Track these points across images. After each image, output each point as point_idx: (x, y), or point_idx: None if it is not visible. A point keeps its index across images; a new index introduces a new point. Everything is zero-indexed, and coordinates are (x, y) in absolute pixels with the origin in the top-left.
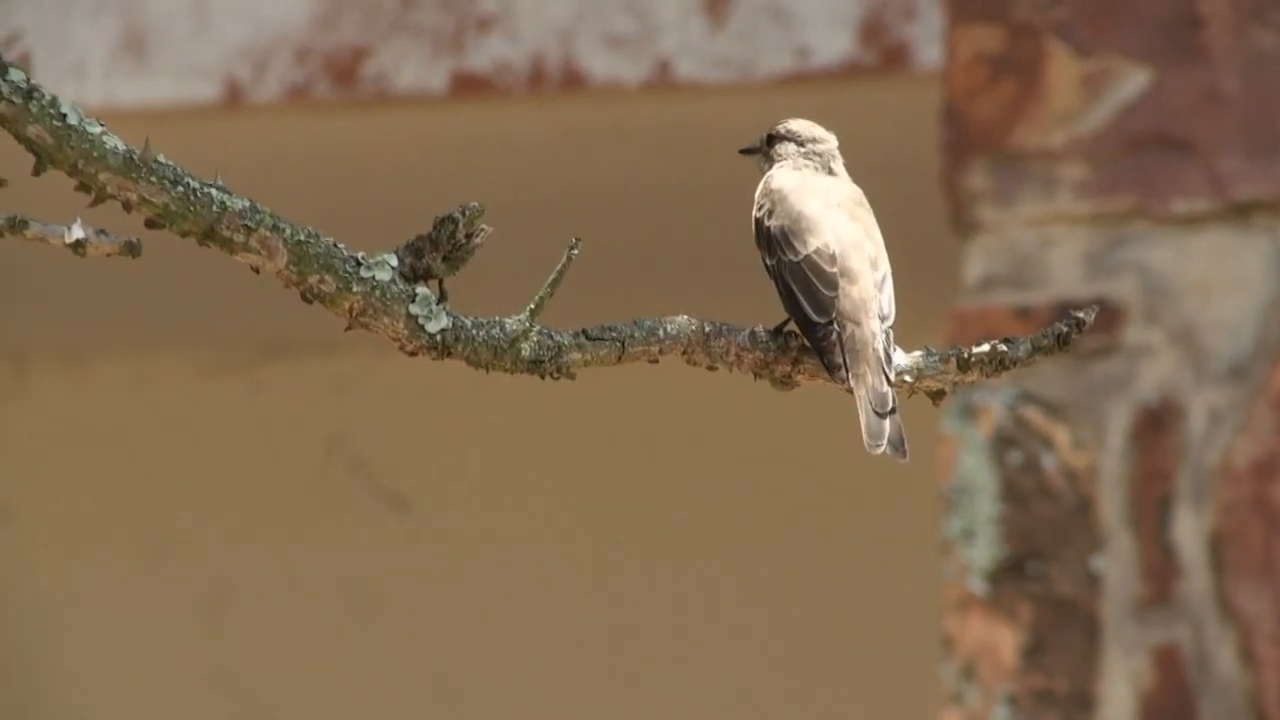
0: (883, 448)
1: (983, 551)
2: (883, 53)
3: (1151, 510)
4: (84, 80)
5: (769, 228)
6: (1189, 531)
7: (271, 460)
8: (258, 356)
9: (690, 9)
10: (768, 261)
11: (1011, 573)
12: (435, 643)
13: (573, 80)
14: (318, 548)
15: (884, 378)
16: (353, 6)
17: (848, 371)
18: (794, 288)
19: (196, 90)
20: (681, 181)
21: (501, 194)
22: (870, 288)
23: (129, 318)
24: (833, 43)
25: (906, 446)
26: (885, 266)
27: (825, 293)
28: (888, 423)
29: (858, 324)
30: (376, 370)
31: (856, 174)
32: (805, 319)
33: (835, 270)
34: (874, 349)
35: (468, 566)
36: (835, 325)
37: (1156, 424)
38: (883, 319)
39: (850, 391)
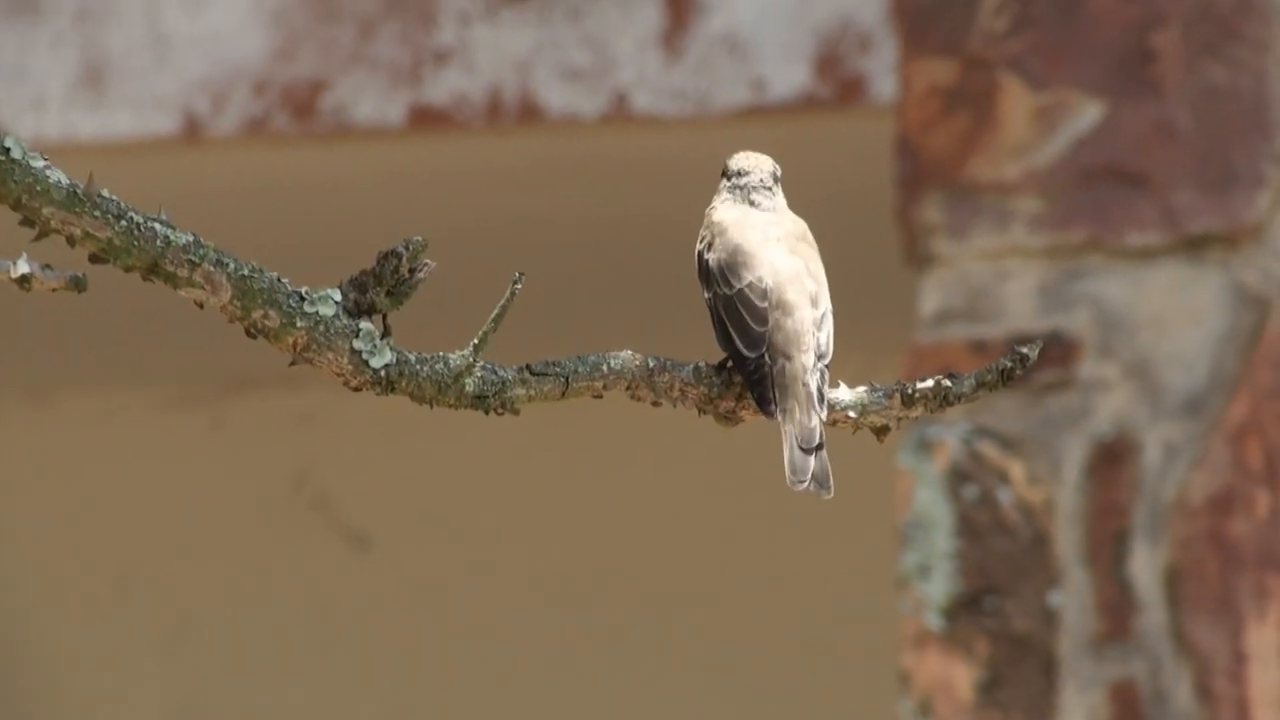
0: (805, 484)
1: (939, 587)
2: (839, 86)
3: (1107, 545)
4: (43, 113)
5: (707, 260)
6: (1145, 566)
7: (234, 496)
8: (221, 391)
9: (647, 42)
10: (705, 294)
11: (968, 608)
12: (397, 680)
13: (530, 113)
14: (280, 584)
15: (813, 414)
16: (310, 39)
17: (776, 406)
18: (726, 322)
19: (155, 123)
20: (639, 214)
21: (460, 226)
22: (806, 322)
23: (92, 352)
24: (789, 76)
25: (831, 483)
26: (826, 304)
27: (756, 328)
28: (813, 459)
29: (789, 359)
30: (340, 406)
31: (812, 207)
32: (736, 353)
33: (766, 305)
34: (804, 383)
35: (430, 604)
36: (766, 360)
37: (1112, 458)
38: (820, 356)
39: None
